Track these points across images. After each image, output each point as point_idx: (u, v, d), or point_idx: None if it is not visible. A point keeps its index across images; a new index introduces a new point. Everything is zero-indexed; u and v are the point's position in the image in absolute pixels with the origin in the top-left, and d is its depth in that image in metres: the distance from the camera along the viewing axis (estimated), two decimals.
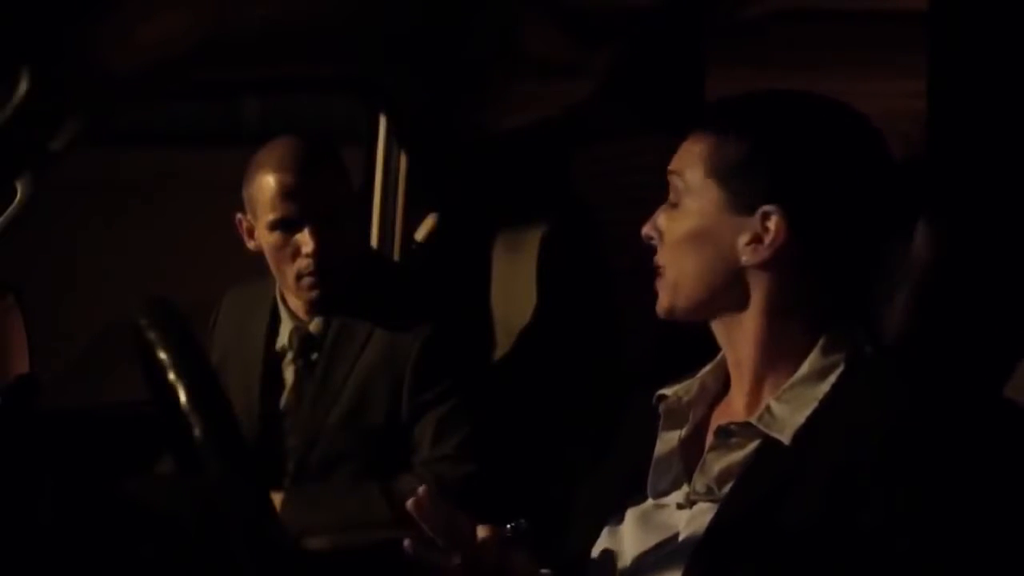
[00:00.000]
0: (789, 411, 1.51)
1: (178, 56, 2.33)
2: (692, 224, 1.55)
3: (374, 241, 3.04)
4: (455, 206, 3.02)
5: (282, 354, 2.60)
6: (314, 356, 2.57)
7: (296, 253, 2.51)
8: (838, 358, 1.53)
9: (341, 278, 2.54)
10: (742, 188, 1.52)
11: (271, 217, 2.50)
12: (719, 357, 1.63)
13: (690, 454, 1.59)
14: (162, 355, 1.79)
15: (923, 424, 1.44)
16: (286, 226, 2.50)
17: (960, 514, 1.42)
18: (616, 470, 1.67)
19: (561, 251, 2.82)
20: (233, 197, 2.58)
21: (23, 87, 2.16)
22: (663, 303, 1.59)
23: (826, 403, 1.50)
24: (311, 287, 2.52)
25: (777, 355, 1.55)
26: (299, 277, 2.52)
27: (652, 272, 1.61)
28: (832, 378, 1.52)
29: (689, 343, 1.63)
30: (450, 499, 2.41)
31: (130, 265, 4.36)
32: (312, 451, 2.55)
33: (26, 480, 1.64)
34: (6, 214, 2.38)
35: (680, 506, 1.56)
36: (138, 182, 4.66)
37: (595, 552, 1.61)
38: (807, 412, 1.50)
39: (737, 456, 1.53)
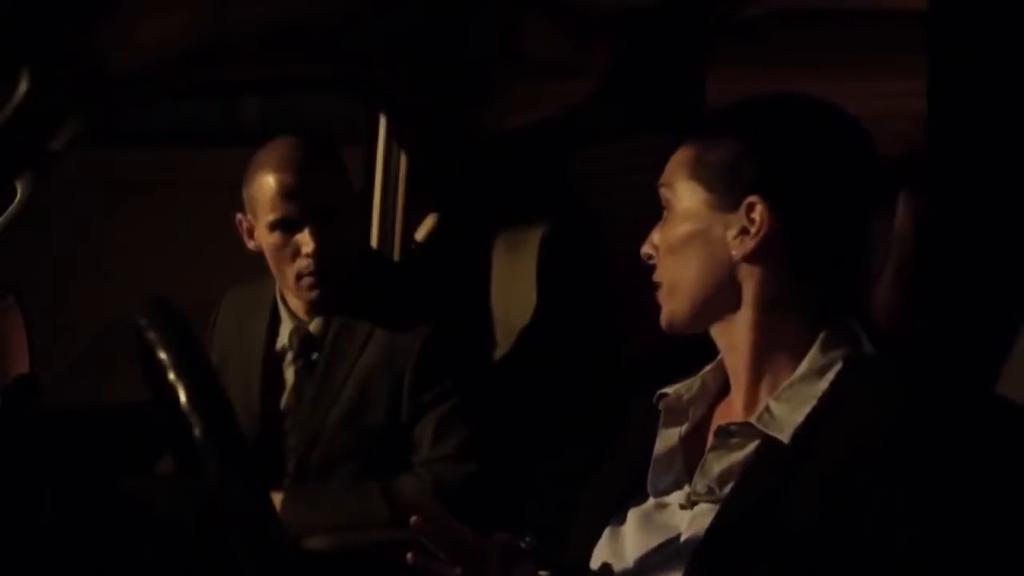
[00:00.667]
0: (788, 410, 1.51)
1: (178, 56, 2.33)
2: (684, 229, 1.57)
3: (374, 241, 3.04)
4: (455, 206, 3.02)
5: (282, 354, 2.61)
6: (314, 356, 2.57)
7: (296, 253, 2.51)
8: (836, 356, 1.53)
9: (341, 278, 2.54)
10: (727, 187, 1.55)
11: (271, 217, 2.50)
12: (720, 357, 1.63)
13: (691, 454, 1.59)
14: (162, 355, 1.79)
15: (922, 422, 1.44)
16: (286, 226, 2.50)
17: (959, 512, 1.42)
18: (617, 470, 1.67)
19: (561, 251, 2.82)
20: (233, 197, 2.58)
21: (23, 87, 2.16)
22: (664, 313, 1.60)
23: (825, 402, 1.51)
24: (311, 287, 2.52)
25: (774, 354, 1.56)
26: (299, 277, 2.52)
27: (651, 270, 1.62)
28: (830, 376, 1.52)
29: (689, 343, 1.63)
30: (450, 500, 2.44)
31: (130, 265, 4.35)
32: (312, 451, 2.55)
33: (26, 480, 1.64)
34: (6, 214, 2.38)
35: (682, 507, 1.57)
36: (138, 182, 4.66)
37: (597, 552, 1.61)
38: (806, 411, 1.51)
39: (737, 456, 1.53)
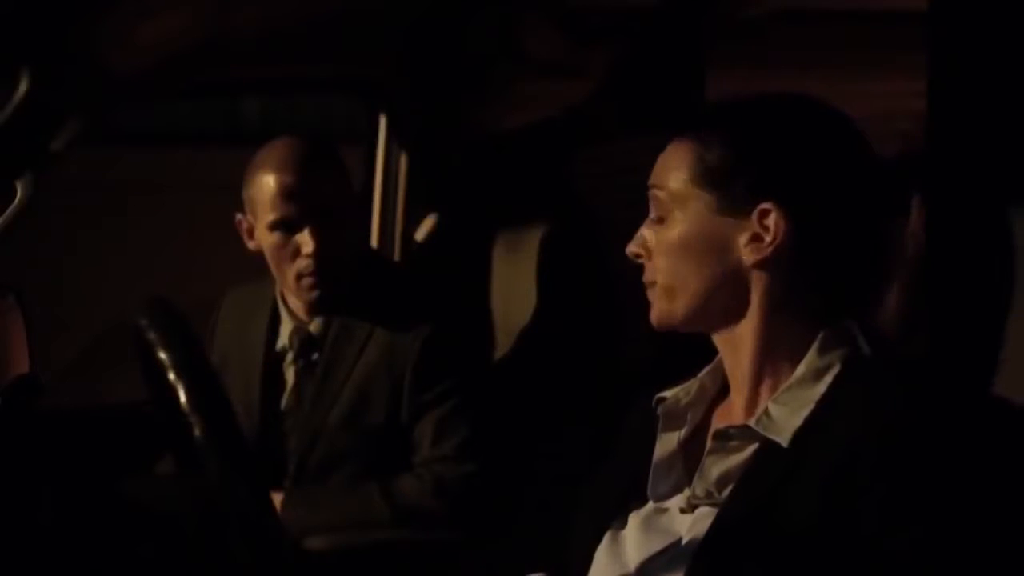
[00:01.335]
0: (787, 413, 1.51)
1: (178, 56, 2.33)
2: (684, 231, 1.55)
3: (374, 241, 3.04)
4: (455, 206, 3.02)
5: (282, 355, 2.60)
6: (314, 356, 2.57)
7: (296, 253, 2.51)
8: (834, 357, 1.53)
9: (341, 278, 2.54)
10: (732, 190, 1.52)
11: (271, 217, 2.50)
12: (718, 359, 1.62)
13: (691, 457, 1.59)
14: (162, 355, 1.79)
15: (920, 423, 1.44)
16: (286, 226, 2.50)
17: (958, 513, 1.42)
18: (617, 473, 1.66)
19: (561, 251, 2.82)
20: (233, 197, 2.58)
21: (23, 87, 2.16)
22: (657, 311, 1.58)
23: (823, 404, 1.50)
24: (311, 287, 2.52)
25: (774, 357, 1.55)
26: (299, 277, 2.52)
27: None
28: (828, 378, 1.52)
29: (689, 345, 1.62)
30: (450, 500, 2.44)
31: (130, 265, 4.35)
32: (312, 451, 2.55)
33: (26, 480, 1.64)
34: (6, 214, 2.38)
35: (682, 510, 1.56)
36: (138, 182, 4.65)
37: (597, 557, 1.60)
38: (804, 414, 1.50)
39: (736, 459, 1.53)
